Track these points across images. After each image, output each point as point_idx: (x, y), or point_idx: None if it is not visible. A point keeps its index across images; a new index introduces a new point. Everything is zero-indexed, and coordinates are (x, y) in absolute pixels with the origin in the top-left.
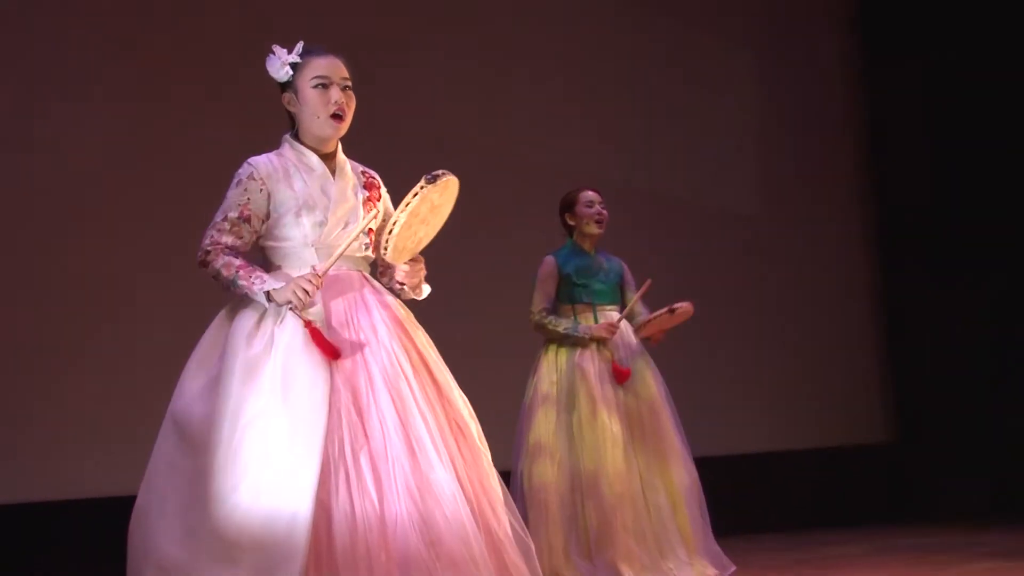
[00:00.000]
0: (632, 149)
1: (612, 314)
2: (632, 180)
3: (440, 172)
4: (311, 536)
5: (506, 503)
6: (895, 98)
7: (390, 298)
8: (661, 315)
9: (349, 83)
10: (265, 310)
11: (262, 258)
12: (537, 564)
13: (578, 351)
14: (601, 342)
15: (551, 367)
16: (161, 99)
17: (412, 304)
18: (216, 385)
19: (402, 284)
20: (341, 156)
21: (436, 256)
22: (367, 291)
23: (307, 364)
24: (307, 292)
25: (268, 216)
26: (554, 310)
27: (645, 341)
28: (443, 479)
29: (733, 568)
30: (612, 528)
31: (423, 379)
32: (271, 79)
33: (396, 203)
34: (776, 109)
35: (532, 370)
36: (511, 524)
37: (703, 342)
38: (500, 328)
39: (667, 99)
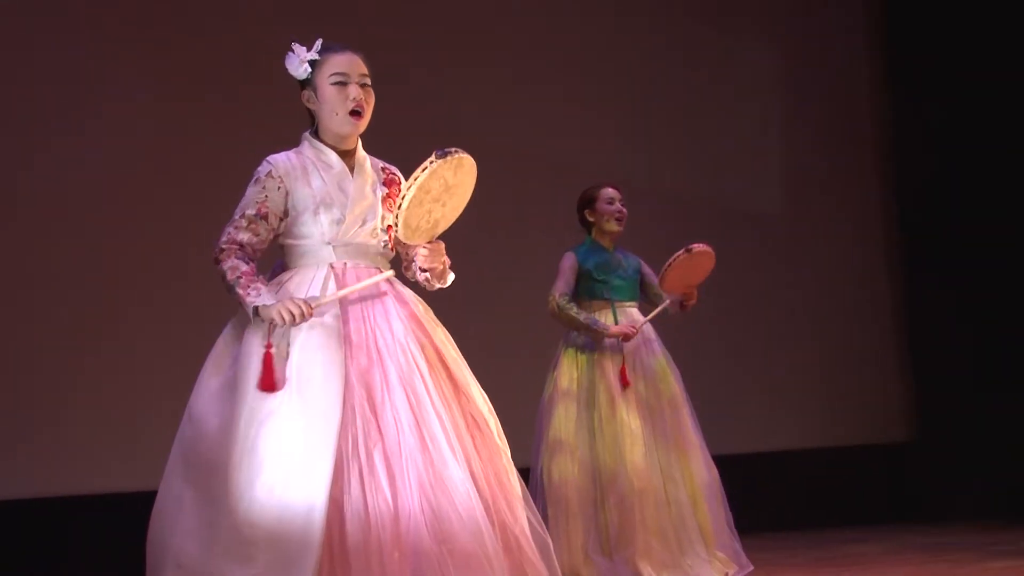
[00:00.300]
0: (654, 148)
1: (632, 310)
2: (653, 179)
3: (452, 149)
4: (324, 532)
5: (525, 500)
6: (918, 99)
7: (409, 295)
8: (679, 259)
9: (368, 80)
10: None
11: (283, 256)
12: (555, 562)
13: (598, 348)
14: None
15: (571, 363)
16: (184, 100)
17: (431, 301)
18: (233, 384)
19: (425, 271)
20: (361, 153)
21: (457, 252)
22: (385, 287)
23: (321, 361)
24: (292, 316)
25: (286, 214)
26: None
27: (680, 316)
28: (457, 476)
29: (751, 568)
30: (632, 524)
31: (439, 376)
32: (291, 77)
33: None
34: (800, 109)
35: (551, 366)
36: (529, 521)
37: (724, 341)
38: (518, 325)
39: (692, 99)
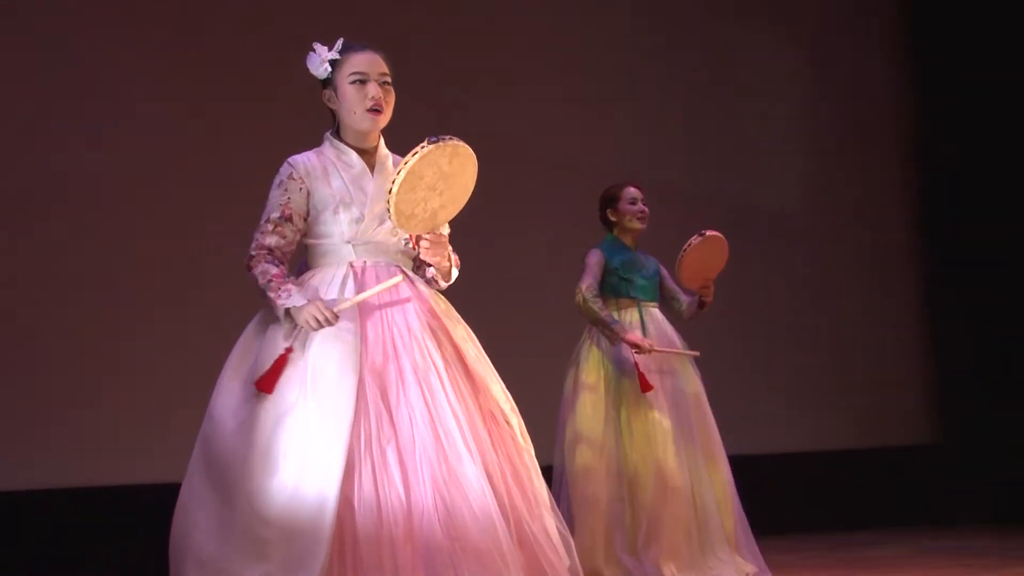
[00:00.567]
0: (678, 148)
1: (655, 311)
2: (675, 179)
3: (446, 136)
4: (336, 527)
5: (548, 499)
6: (942, 97)
7: (428, 292)
8: (693, 244)
9: (388, 79)
10: None
11: (305, 255)
12: (577, 561)
13: (622, 345)
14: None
15: (597, 359)
16: (185, 100)
17: (453, 299)
18: (251, 383)
19: (429, 265)
20: (383, 151)
21: (475, 253)
22: (404, 284)
23: (337, 359)
24: (318, 322)
25: (308, 214)
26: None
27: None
28: (471, 472)
29: (769, 574)
30: (661, 523)
31: (456, 373)
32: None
33: None
34: (824, 109)
35: (572, 360)
36: (550, 520)
37: (745, 341)
38: (518, 325)
39: (716, 99)
